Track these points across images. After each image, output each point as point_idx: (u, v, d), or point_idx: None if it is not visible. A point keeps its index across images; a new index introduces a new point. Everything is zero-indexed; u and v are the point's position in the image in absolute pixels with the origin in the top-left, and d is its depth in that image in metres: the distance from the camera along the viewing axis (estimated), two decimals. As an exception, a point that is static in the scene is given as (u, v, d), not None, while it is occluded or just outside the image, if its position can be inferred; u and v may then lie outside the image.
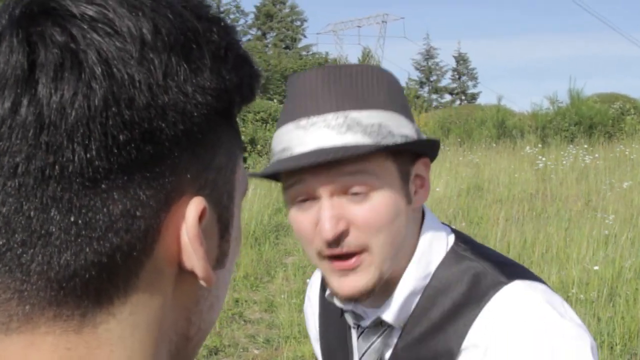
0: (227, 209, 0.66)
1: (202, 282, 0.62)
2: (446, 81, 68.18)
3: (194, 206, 0.60)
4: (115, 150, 0.54)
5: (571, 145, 18.10)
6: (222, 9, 57.53)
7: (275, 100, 27.35)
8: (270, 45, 62.25)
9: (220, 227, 0.65)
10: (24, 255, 0.54)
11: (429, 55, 67.38)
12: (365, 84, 1.33)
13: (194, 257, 0.60)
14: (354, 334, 1.52)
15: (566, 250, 8.66)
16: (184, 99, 0.58)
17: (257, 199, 11.99)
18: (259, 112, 22.09)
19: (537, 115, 23.36)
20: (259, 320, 7.56)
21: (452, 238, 1.45)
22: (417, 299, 1.39)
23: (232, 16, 60.09)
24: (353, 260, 1.31)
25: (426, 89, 66.95)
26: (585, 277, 7.70)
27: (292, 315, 7.24)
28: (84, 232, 0.54)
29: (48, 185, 0.53)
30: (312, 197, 1.32)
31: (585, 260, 8.11)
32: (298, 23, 64.94)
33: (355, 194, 1.29)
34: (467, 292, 1.34)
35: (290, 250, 10.23)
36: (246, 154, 18.68)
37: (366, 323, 1.43)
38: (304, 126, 1.30)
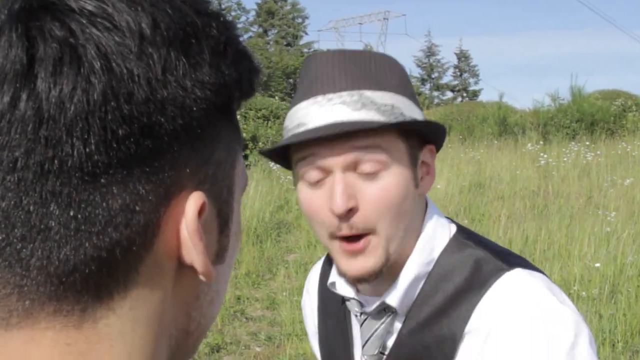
0: (227, 203, 0.66)
1: (201, 277, 0.62)
2: (448, 78, 68.17)
3: (194, 201, 0.60)
4: (115, 145, 0.54)
5: (573, 142, 18.06)
6: (223, 6, 57.54)
7: (276, 98, 27.35)
8: (271, 43, 62.19)
9: (220, 222, 0.66)
10: (24, 250, 0.54)
11: (430, 52, 67.31)
12: (379, 68, 1.37)
13: (193, 252, 0.60)
14: (355, 322, 1.53)
15: (568, 247, 8.66)
16: (183, 93, 0.58)
17: (258, 197, 11.99)
18: (260, 110, 22.07)
19: (538, 112, 23.32)
20: (261, 318, 7.57)
21: (453, 227, 1.47)
22: (420, 285, 1.41)
23: (233, 13, 60.00)
24: (361, 242, 1.33)
25: (428, 86, 66.91)
26: (587, 274, 7.69)
27: (294, 312, 7.25)
28: (83, 227, 0.54)
29: (47, 179, 0.53)
30: (324, 173, 1.33)
31: (587, 258, 8.11)
32: (299, 20, 64.87)
33: (367, 173, 1.31)
34: (469, 278, 1.36)
35: (292, 248, 10.23)
36: (247, 151, 18.65)
37: (370, 308, 1.44)
38: (319, 102, 1.32)
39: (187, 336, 0.66)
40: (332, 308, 1.61)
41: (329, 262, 1.65)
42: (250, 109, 21.49)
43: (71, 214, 0.54)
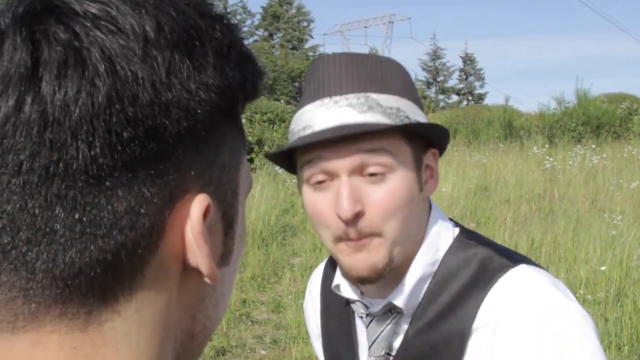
0: (231, 206, 0.66)
1: (206, 280, 0.62)
2: (453, 81, 68.10)
3: (198, 203, 0.60)
4: (119, 148, 0.54)
5: (579, 146, 18.04)
6: (228, 10, 57.56)
7: (282, 101, 27.32)
8: (277, 46, 62.19)
9: (225, 225, 0.66)
10: (29, 253, 0.54)
11: (435, 55, 67.24)
12: (385, 71, 1.37)
13: (198, 254, 0.60)
14: (360, 324, 1.53)
15: (574, 250, 8.64)
16: (187, 96, 0.58)
17: (264, 200, 11.98)
18: (266, 113, 22.07)
19: (544, 116, 23.30)
20: (266, 321, 7.56)
21: (457, 229, 1.48)
22: (426, 285, 1.41)
23: (238, 17, 60.01)
24: (366, 240, 1.33)
25: (433, 89, 66.81)
26: (593, 277, 7.67)
27: (300, 315, 7.23)
28: (88, 230, 0.54)
29: (52, 182, 0.53)
30: (330, 176, 1.33)
31: (593, 261, 8.09)
32: (305, 24, 64.85)
33: (373, 174, 1.31)
34: (474, 276, 1.37)
35: (298, 251, 10.23)
36: (253, 155, 18.65)
37: (376, 309, 1.44)
38: (326, 104, 1.32)
39: (192, 339, 0.66)
40: (335, 310, 1.61)
41: (331, 264, 1.65)
42: (256, 113, 21.49)
43: (76, 216, 0.54)
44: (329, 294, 1.60)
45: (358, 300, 1.47)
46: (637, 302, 6.87)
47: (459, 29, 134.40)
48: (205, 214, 0.60)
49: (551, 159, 15.35)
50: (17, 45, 0.53)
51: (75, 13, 0.55)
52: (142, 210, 0.56)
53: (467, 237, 1.45)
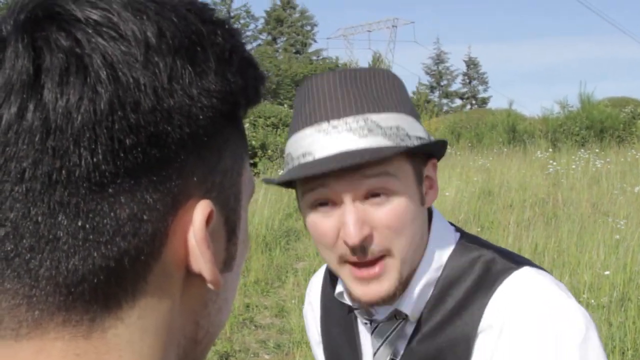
0: (234, 211, 0.66)
1: (210, 286, 0.62)
2: (457, 85, 68.22)
3: (201, 209, 0.60)
4: (122, 154, 0.54)
5: (582, 150, 18.02)
6: (232, 14, 57.59)
7: (285, 105, 27.35)
8: (280, 50, 62.27)
9: (228, 230, 0.66)
10: (32, 260, 0.54)
11: (439, 59, 67.32)
12: (379, 87, 1.35)
13: (201, 260, 0.60)
14: (362, 329, 1.53)
15: (577, 255, 8.62)
16: (189, 102, 0.58)
17: (267, 204, 11.98)
18: (269, 117, 22.10)
19: (547, 120, 23.29)
20: (270, 326, 7.56)
21: (458, 233, 1.48)
22: (431, 291, 1.41)
23: (242, 21, 60.10)
24: (377, 268, 1.32)
25: (437, 93, 66.91)
26: (597, 282, 7.66)
27: (303, 320, 7.22)
28: (91, 237, 0.54)
29: (55, 190, 0.53)
30: (333, 202, 1.32)
31: (597, 265, 8.07)
32: (308, 28, 64.94)
33: (377, 196, 1.30)
34: (478, 279, 1.37)
35: (301, 256, 10.22)
36: (257, 159, 18.67)
37: (381, 316, 1.44)
38: (325, 130, 1.30)
39: (195, 344, 0.66)
40: (337, 316, 1.60)
41: (330, 271, 1.64)
42: (260, 117, 21.52)
43: (79, 224, 0.54)
44: (329, 301, 1.60)
45: (361, 308, 1.46)
46: (641, 307, 6.86)
47: (462, 33, 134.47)
48: (208, 220, 0.60)
49: (555, 163, 15.33)
50: (19, 53, 0.53)
51: (77, 20, 0.55)
52: (145, 217, 0.56)
53: (469, 240, 1.46)
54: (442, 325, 1.38)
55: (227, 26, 0.64)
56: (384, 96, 1.34)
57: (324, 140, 1.30)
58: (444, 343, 1.37)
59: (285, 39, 64.22)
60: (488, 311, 1.33)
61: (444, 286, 1.40)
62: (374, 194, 1.30)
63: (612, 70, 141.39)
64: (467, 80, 67.16)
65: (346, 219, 1.29)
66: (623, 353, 6.11)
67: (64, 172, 0.53)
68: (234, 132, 0.66)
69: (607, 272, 7.66)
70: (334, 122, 1.30)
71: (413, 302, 1.39)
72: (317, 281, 1.74)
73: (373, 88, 1.34)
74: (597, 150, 17.52)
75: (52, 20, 0.55)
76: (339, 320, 1.60)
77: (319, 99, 1.33)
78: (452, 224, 1.52)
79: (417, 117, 1.41)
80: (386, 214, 1.30)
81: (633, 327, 6.41)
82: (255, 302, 8.25)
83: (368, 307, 1.39)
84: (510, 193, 12.89)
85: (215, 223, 0.62)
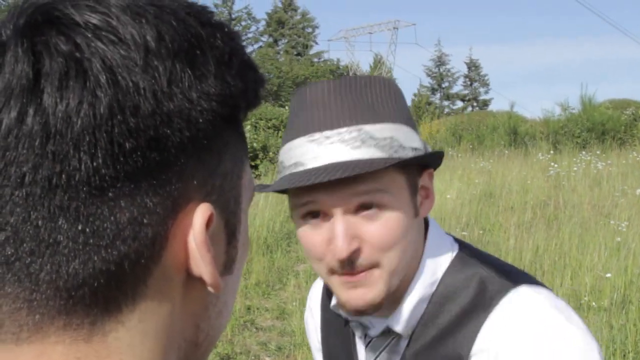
0: (234, 214, 0.66)
1: (210, 289, 0.62)
2: (458, 87, 68.32)
3: (201, 213, 0.60)
4: (122, 158, 0.54)
5: (583, 152, 18.03)
6: (233, 16, 57.61)
7: (287, 108, 27.31)
8: (281, 52, 62.31)
9: (228, 233, 0.66)
10: (33, 264, 0.54)
11: (440, 61, 67.35)
12: (375, 96, 1.33)
13: (201, 264, 0.60)
14: (359, 344, 1.51)
15: (578, 257, 8.62)
16: (189, 105, 0.58)
17: (268, 207, 11.99)
18: (270, 120, 22.13)
19: (548, 122, 23.32)
20: (271, 328, 7.55)
21: (456, 246, 1.45)
22: (424, 306, 1.38)
23: (243, 23, 60.16)
24: (363, 274, 1.30)
25: (438, 95, 66.94)
26: (598, 284, 7.66)
27: (304, 322, 7.22)
28: (91, 241, 0.54)
29: (55, 194, 0.53)
30: (324, 213, 1.31)
31: (598, 268, 8.07)
32: (309, 30, 64.98)
33: (368, 208, 1.28)
34: (474, 298, 1.34)
35: (302, 258, 10.21)
36: (258, 161, 18.69)
37: (374, 332, 1.43)
38: (317, 140, 1.28)
39: (195, 348, 0.66)
40: (336, 326, 1.59)
41: None
42: (261, 119, 21.55)
43: (79, 227, 0.54)
44: (328, 310, 1.59)
45: (357, 321, 1.45)
46: (642, 309, 6.86)
47: (463, 34, 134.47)
48: (208, 223, 0.60)
49: (556, 166, 15.35)
50: (19, 57, 0.53)
51: (76, 24, 0.55)
52: (145, 221, 0.56)
53: (467, 255, 1.42)
54: (434, 344, 1.36)
55: (226, 29, 0.64)
56: (379, 106, 1.32)
57: (315, 151, 1.28)
58: None
59: (286, 41, 64.28)
60: (482, 334, 1.31)
61: (438, 302, 1.38)
62: (366, 206, 1.28)
63: (613, 72, 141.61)
64: (469, 82, 67.21)
65: (335, 233, 1.28)
66: (624, 355, 6.11)
67: (64, 176, 0.53)
68: (234, 135, 0.66)
69: (608, 275, 7.66)
70: (327, 133, 1.28)
71: (405, 318, 1.37)
72: (317, 288, 1.72)
73: (368, 97, 1.32)
74: (598, 153, 17.55)
75: (51, 24, 0.55)
76: (337, 330, 1.58)
77: (312, 108, 1.31)
78: (450, 234, 1.50)
79: (414, 126, 1.38)
80: (377, 228, 1.28)
81: (634, 330, 6.41)
82: (257, 305, 8.25)
83: (356, 314, 1.36)
84: (511, 195, 12.90)
85: (216, 226, 0.62)
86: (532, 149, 19.16)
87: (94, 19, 0.55)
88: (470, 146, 21.62)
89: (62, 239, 0.54)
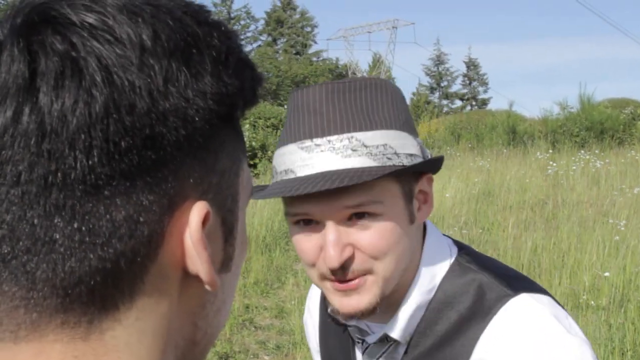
0: (232, 212, 0.66)
1: (207, 287, 0.62)
2: (457, 87, 68.26)
3: (197, 210, 0.60)
4: (117, 157, 0.54)
5: (582, 151, 18.03)
6: (232, 15, 57.60)
7: (285, 107, 27.32)
8: (280, 51, 62.25)
9: (225, 231, 0.66)
10: (29, 262, 0.54)
11: (439, 60, 67.35)
12: (369, 101, 1.30)
13: (198, 261, 0.60)
14: (357, 349, 1.50)
15: (577, 256, 8.62)
16: (185, 104, 0.58)
17: (267, 206, 11.98)
18: (269, 118, 22.13)
19: (547, 121, 23.31)
20: (270, 327, 7.56)
21: (454, 250, 1.43)
22: (422, 313, 1.37)
23: (242, 22, 60.13)
24: (356, 281, 1.29)
25: (437, 94, 66.95)
26: (596, 283, 7.66)
27: (302, 321, 7.21)
28: (87, 239, 0.55)
29: (51, 192, 0.53)
30: (316, 220, 1.30)
31: (596, 267, 8.08)
32: (308, 29, 64.94)
33: (361, 217, 1.27)
34: (472, 305, 1.33)
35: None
36: (257, 160, 18.69)
37: (371, 339, 1.42)
38: (308, 147, 1.27)
39: (193, 346, 0.66)
40: (334, 328, 1.57)
41: None
42: (260, 118, 21.54)
43: (75, 226, 0.54)
44: (327, 313, 1.57)
45: (355, 326, 1.44)
46: (640, 308, 6.86)
47: (462, 34, 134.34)
48: (205, 221, 0.60)
49: (554, 165, 15.35)
50: (15, 57, 0.54)
51: (72, 23, 0.55)
52: (141, 219, 0.56)
53: (466, 260, 1.40)
54: (432, 351, 1.35)
55: (223, 28, 0.64)
56: (374, 111, 1.30)
57: (306, 159, 1.27)
58: None
59: (285, 40, 64.24)
60: (480, 344, 1.29)
61: (436, 310, 1.36)
62: (358, 215, 1.27)
63: (612, 71, 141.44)
64: (467, 82, 67.22)
65: (327, 241, 1.27)
66: (623, 354, 6.11)
67: (59, 174, 0.53)
68: (231, 133, 0.66)
69: (606, 274, 7.67)
70: (317, 140, 1.26)
71: (403, 326, 1.36)
72: (316, 290, 1.71)
73: (363, 103, 1.30)
74: (596, 152, 17.53)
75: (47, 24, 0.55)
76: (336, 332, 1.57)
77: (304, 114, 1.30)
78: (449, 236, 1.49)
79: (412, 131, 1.36)
80: (370, 237, 1.27)
81: (632, 328, 6.42)
82: (255, 303, 8.25)
83: (347, 320, 1.35)
84: (510, 194, 12.90)
85: (212, 224, 0.62)
86: (531, 148, 19.14)
87: (90, 19, 0.56)
88: (469, 145, 21.62)
89: (58, 237, 0.54)
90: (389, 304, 1.35)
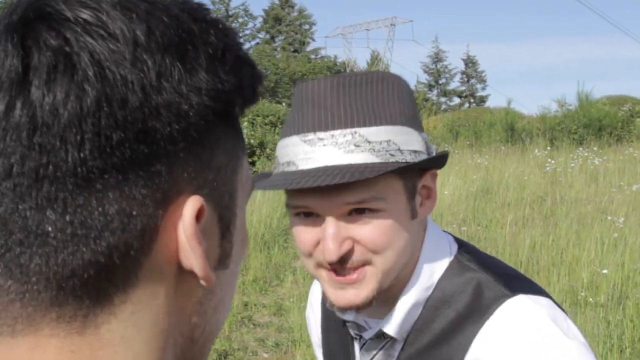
0: (229, 209, 0.66)
1: (202, 282, 0.62)
2: (455, 84, 68.31)
3: (191, 204, 0.60)
4: (109, 150, 0.54)
5: (580, 148, 18.04)
6: (230, 13, 57.61)
7: (284, 104, 27.34)
8: (278, 49, 62.29)
9: (222, 227, 0.65)
10: (23, 255, 0.54)
11: (437, 58, 67.37)
12: (375, 96, 1.30)
13: (192, 256, 0.60)
14: (356, 345, 1.50)
15: (575, 253, 8.63)
16: (178, 99, 0.58)
17: (265, 203, 11.99)
18: (267, 116, 22.13)
19: (545, 118, 23.32)
20: (268, 324, 7.56)
21: (454, 247, 1.43)
22: (419, 310, 1.37)
23: (240, 20, 60.13)
24: (355, 275, 1.29)
25: (435, 91, 66.99)
26: (595, 280, 7.67)
27: (302, 318, 7.22)
28: (80, 232, 0.55)
29: (42, 185, 0.54)
30: (316, 214, 1.30)
31: (595, 264, 8.08)
32: (306, 26, 64.97)
33: (361, 212, 1.27)
34: (470, 304, 1.33)
35: (300, 254, 10.19)
36: (255, 158, 18.69)
37: (368, 335, 1.42)
38: (310, 141, 1.27)
39: (192, 343, 0.66)
40: (335, 323, 1.57)
41: None
42: (258, 116, 21.55)
43: (67, 218, 0.54)
44: (327, 309, 1.58)
45: (352, 322, 1.44)
46: (638, 305, 6.86)
47: (461, 31, 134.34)
48: (199, 216, 0.60)
49: (553, 162, 15.36)
50: (9, 52, 0.54)
51: (67, 19, 0.55)
52: (134, 212, 0.57)
53: (465, 259, 1.39)
54: (428, 349, 1.35)
55: (221, 25, 0.64)
56: (379, 106, 1.29)
57: (308, 152, 1.26)
58: None
59: (283, 37, 64.26)
60: (476, 343, 1.29)
61: (433, 307, 1.36)
62: (359, 211, 1.27)
63: (611, 70, 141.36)
64: (466, 79, 67.23)
65: (326, 235, 1.27)
66: (621, 351, 6.12)
67: (50, 167, 0.53)
68: (228, 130, 0.66)
69: (605, 271, 7.68)
70: (320, 134, 1.26)
71: (399, 322, 1.36)
72: (319, 285, 1.70)
73: (368, 97, 1.29)
74: (595, 149, 17.56)
75: (42, 20, 0.56)
76: (337, 327, 1.57)
77: (309, 107, 1.29)
78: (449, 233, 1.48)
79: (418, 126, 1.35)
80: (370, 231, 1.27)
81: (631, 325, 6.42)
82: (254, 301, 8.25)
83: (342, 312, 1.36)
84: (508, 191, 12.91)
85: (208, 220, 0.62)
86: (529, 145, 19.17)
87: (84, 14, 0.56)
88: (468, 142, 21.63)
89: (50, 229, 0.54)
90: (386, 298, 1.35)
